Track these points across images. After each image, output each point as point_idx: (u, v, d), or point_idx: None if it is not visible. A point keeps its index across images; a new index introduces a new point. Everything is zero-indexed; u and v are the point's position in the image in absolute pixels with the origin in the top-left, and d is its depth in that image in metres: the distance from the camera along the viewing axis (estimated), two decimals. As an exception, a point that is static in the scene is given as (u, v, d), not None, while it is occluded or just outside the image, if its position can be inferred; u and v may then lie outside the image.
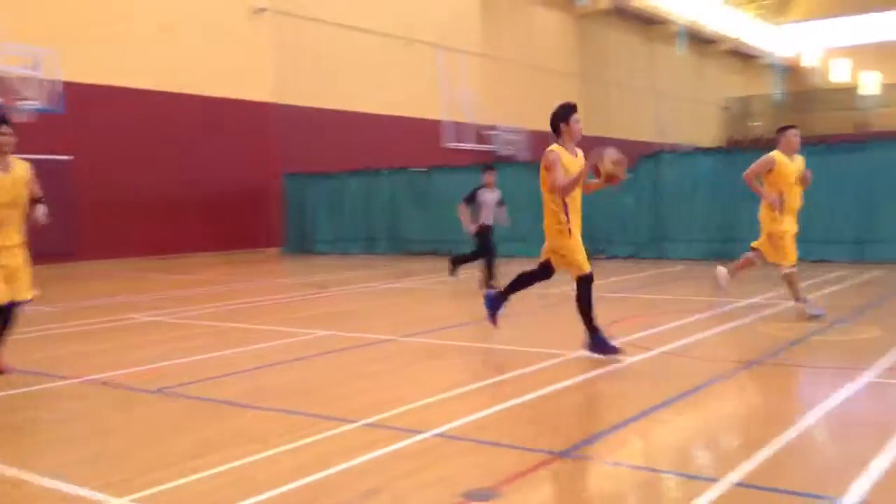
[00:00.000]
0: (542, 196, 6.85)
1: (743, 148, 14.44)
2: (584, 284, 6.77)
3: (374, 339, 8.28)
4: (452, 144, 28.43)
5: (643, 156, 18.08)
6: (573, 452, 4.47)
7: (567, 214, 6.73)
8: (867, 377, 6.01)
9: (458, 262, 13.07)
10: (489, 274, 12.05)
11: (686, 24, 38.70)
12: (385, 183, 21.33)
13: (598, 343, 6.79)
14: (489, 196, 12.19)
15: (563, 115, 6.82)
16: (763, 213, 8.76)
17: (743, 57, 45.83)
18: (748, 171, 8.74)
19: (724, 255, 15.64)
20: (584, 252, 6.80)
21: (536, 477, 4.12)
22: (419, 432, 4.81)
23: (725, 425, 5.19)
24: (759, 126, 44.15)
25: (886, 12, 45.30)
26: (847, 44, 46.80)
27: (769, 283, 11.55)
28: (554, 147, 6.77)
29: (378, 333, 8.55)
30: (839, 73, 46.74)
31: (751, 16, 45.23)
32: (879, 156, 14.97)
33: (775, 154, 8.62)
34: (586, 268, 6.77)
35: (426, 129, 27.86)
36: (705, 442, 4.86)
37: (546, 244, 6.94)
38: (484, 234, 12.19)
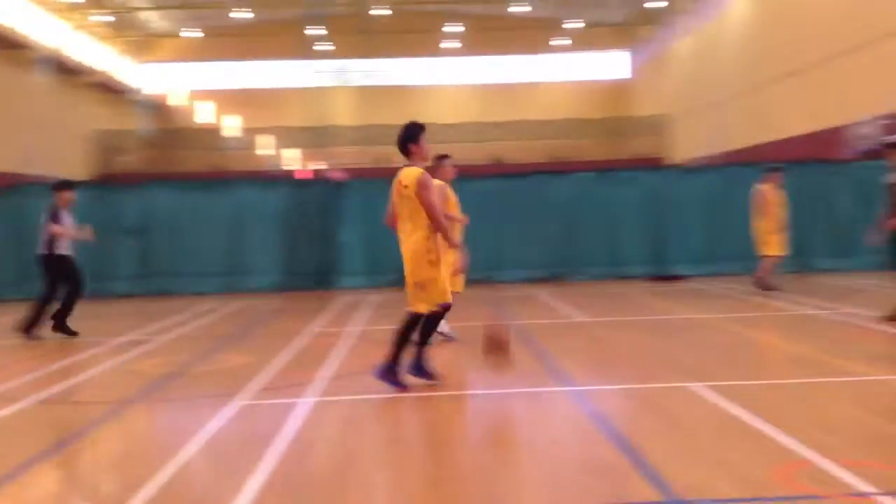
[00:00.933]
0: (402, 222, 6.41)
1: (115, 181, 13.88)
2: (436, 319, 6.47)
3: None
4: None
5: (4, 188, 16.51)
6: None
7: (436, 242, 6.33)
8: (240, 401, 6.38)
9: (60, 317, 10.16)
10: (63, 311, 10.03)
11: (50, 52, 36.78)
12: None
13: (391, 372, 6.49)
14: (70, 219, 10.03)
15: (413, 135, 6.41)
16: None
17: (113, 91, 45.43)
18: (437, 206, 7.71)
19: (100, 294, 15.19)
20: (447, 287, 6.43)
21: None
22: None
23: (106, 470, 4.96)
24: (130, 160, 44.25)
25: (244, 62, 49.70)
26: (211, 87, 49.97)
27: (142, 319, 11.57)
28: (420, 169, 6.35)
29: None
30: (204, 114, 49.61)
31: (117, 51, 45.17)
32: (246, 195, 16.17)
33: (424, 171, 8.07)
34: (445, 298, 6.40)
35: None
36: (85, 492, 4.57)
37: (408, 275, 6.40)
38: (68, 263, 9.99)
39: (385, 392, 6.63)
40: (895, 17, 24.08)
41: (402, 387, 6.50)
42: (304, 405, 6.16)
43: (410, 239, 6.38)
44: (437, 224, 6.30)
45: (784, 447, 4.71)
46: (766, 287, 12.58)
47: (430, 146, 6.60)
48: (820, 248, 14.91)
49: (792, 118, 31.12)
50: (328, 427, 5.66)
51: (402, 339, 6.48)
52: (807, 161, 16.79)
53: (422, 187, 6.27)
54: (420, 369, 6.66)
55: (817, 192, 14.00)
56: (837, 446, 4.70)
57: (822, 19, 29.21)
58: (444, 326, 8.77)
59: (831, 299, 11.42)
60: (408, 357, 6.62)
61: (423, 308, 6.40)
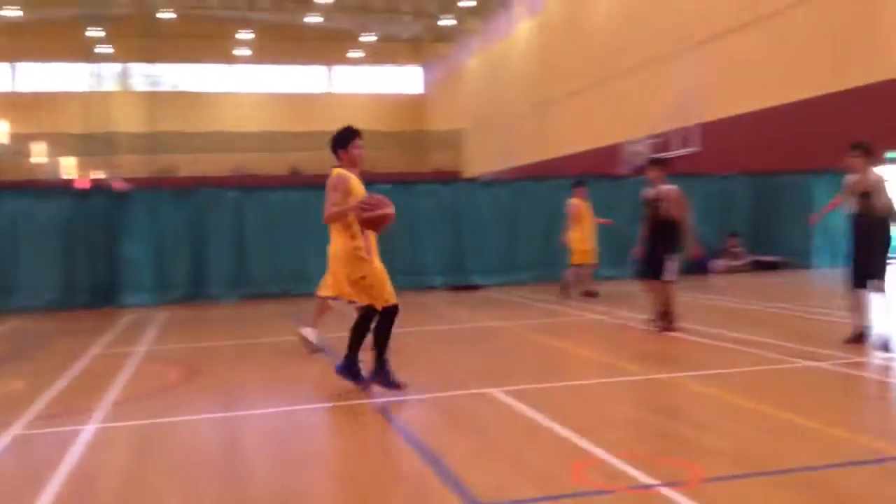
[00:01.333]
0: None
1: None
2: (389, 317, 6.41)
3: None
4: None
5: None
6: None
7: (363, 237, 6.32)
8: (14, 431, 5.82)
9: None
10: None
11: None
12: None
13: (386, 376, 6.49)
14: None
15: (342, 141, 6.55)
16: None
17: None
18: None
19: None
20: (388, 280, 6.41)
21: None
22: None
23: None
24: None
25: (12, 63, 45.76)
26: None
27: None
28: (340, 170, 6.43)
29: None
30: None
31: None
32: (17, 207, 14.83)
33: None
34: (392, 299, 6.40)
35: None
36: None
37: (335, 277, 6.49)
38: None
39: (175, 415, 6.29)
40: (661, 45, 26.34)
41: (398, 385, 6.49)
42: (86, 433, 5.71)
43: (338, 240, 6.41)
44: (326, 217, 6.34)
45: (576, 445, 4.95)
46: (586, 294, 13.47)
47: (361, 152, 6.61)
48: (602, 257, 15.90)
49: (575, 136, 33.17)
50: (114, 455, 5.28)
51: (383, 339, 6.48)
52: (590, 176, 17.87)
53: (331, 184, 6.37)
54: (384, 376, 6.56)
55: (599, 205, 14.91)
56: (623, 442, 5.00)
57: (597, 45, 31.40)
58: (311, 334, 8.70)
59: (611, 305, 12.24)
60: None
61: (378, 303, 6.40)
